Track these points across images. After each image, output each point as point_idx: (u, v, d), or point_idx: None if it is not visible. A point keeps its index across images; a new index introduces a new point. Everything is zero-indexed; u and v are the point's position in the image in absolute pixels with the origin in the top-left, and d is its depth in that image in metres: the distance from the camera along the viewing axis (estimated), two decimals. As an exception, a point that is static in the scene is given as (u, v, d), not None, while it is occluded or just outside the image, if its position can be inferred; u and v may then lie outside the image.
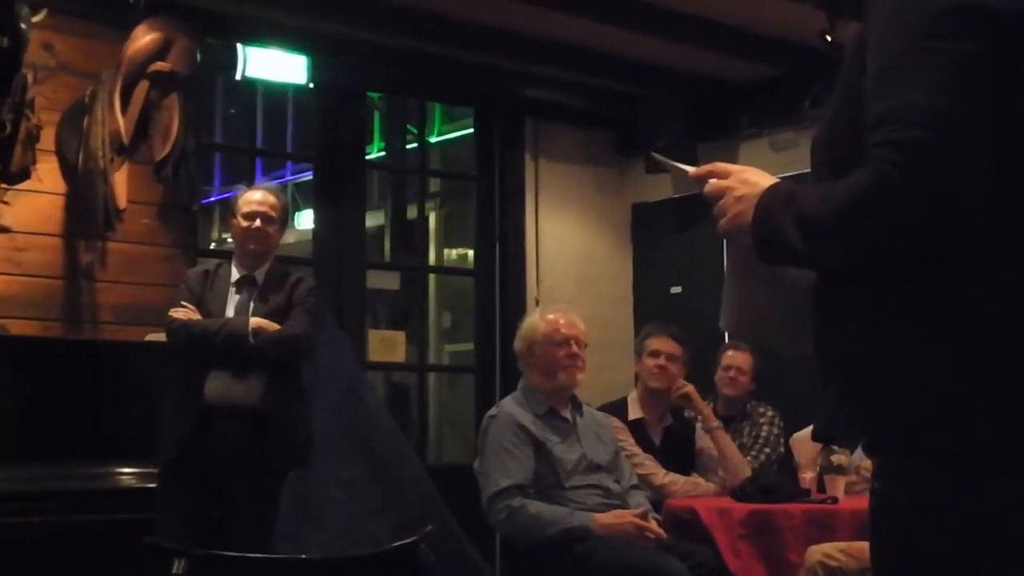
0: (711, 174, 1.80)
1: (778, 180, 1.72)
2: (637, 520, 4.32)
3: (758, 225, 1.67)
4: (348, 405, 5.16)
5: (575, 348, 4.63)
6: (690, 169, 1.87)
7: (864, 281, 1.60)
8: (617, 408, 5.19)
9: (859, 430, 1.68)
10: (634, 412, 5.18)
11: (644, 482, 4.80)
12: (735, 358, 5.65)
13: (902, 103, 1.50)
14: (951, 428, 1.51)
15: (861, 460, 4.70)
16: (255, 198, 4.60)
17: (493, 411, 4.62)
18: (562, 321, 4.69)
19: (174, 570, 1.76)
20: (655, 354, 5.19)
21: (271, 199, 4.62)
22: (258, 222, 4.55)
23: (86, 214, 5.10)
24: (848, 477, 4.68)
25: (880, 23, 1.58)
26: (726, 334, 6.46)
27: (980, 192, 1.48)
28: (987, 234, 1.52)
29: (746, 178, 1.75)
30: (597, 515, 4.33)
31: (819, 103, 6.29)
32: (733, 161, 7.03)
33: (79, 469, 4.41)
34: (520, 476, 4.35)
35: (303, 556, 2.39)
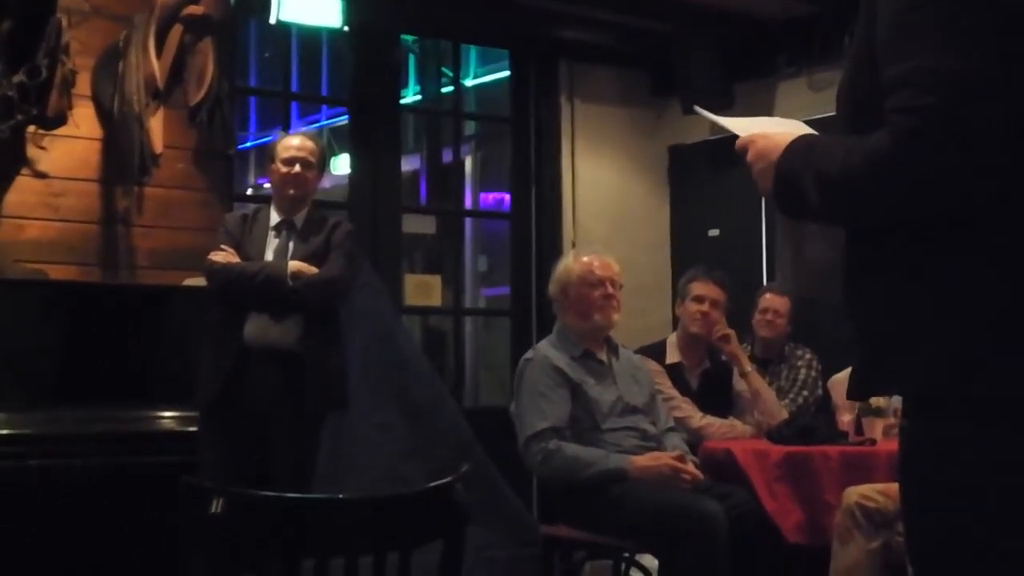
0: (753, 143, 1.79)
1: (799, 135, 1.72)
2: (674, 462, 4.32)
3: (779, 184, 1.70)
4: (384, 350, 5.18)
5: (610, 289, 4.62)
6: (736, 128, 1.86)
7: (891, 237, 1.61)
8: (655, 351, 5.18)
9: (891, 387, 1.75)
10: (672, 356, 5.17)
11: (681, 425, 4.80)
12: (772, 301, 5.62)
13: (913, 66, 1.50)
14: (981, 378, 1.53)
15: (899, 403, 4.67)
16: (294, 143, 4.61)
17: (529, 354, 4.63)
18: (596, 263, 4.68)
19: (212, 509, 1.77)
20: (699, 299, 5.16)
21: (310, 144, 4.63)
22: (297, 167, 4.56)
23: (122, 159, 5.11)
24: (886, 420, 4.66)
25: None
26: (764, 277, 6.44)
27: (996, 152, 1.48)
28: (1012, 188, 1.52)
29: (766, 135, 1.77)
30: (633, 457, 4.34)
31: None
32: (771, 101, 7.04)
33: (118, 412, 4.46)
34: (556, 418, 4.37)
35: (339, 495, 2.40)
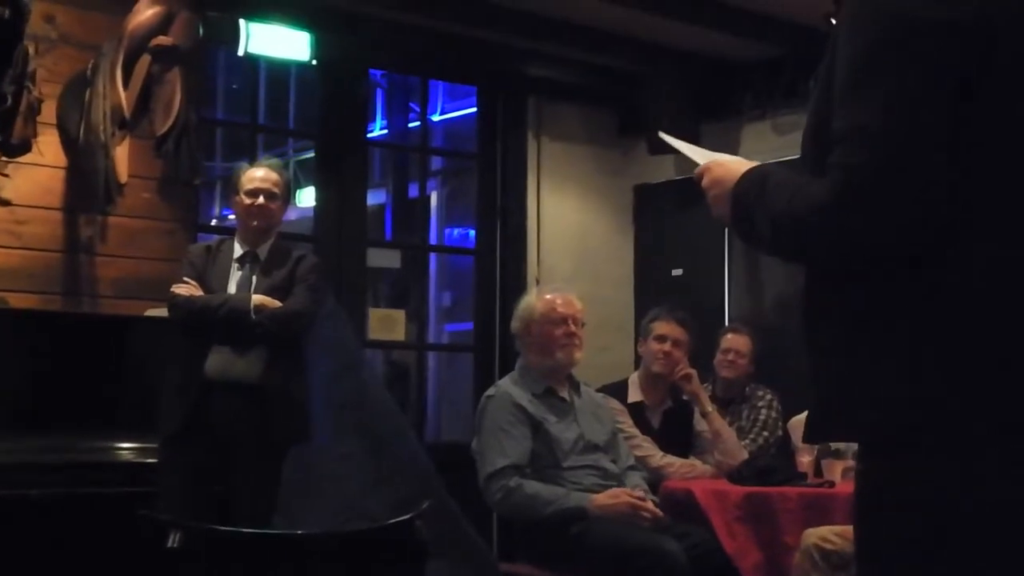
0: (708, 171, 1.83)
1: (755, 165, 1.75)
2: (633, 500, 4.32)
3: (735, 216, 1.74)
4: (347, 382, 5.16)
5: (572, 327, 4.63)
6: (698, 157, 1.89)
7: (844, 279, 1.64)
8: (617, 390, 5.19)
9: (845, 431, 1.79)
10: (634, 395, 5.18)
11: (641, 463, 4.81)
12: (734, 341, 5.65)
13: (857, 123, 1.53)
14: (932, 422, 1.55)
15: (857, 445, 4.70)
16: (258, 175, 4.59)
17: (491, 391, 4.63)
18: (559, 300, 4.69)
19: (169, 543, 1.76)
20: (661, 339, 5.18)
21: (274, 176, 4.62)
22: (261, 199, 4.54)
23: (87, 188, 5.09)
24: (845, 462, 4.68)
25: (847, 30, 1.60)
26: (726, 317, 6.48)
27: (927, 209, 1.52)
28: (960, 237, 1.55)
29: (722, 163, 1.80)
30: (593, 496, 4.34)
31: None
32: (736, 142, 7.10)
33: (79, 442, 4.42)
34: (517, 456, 4.36)
35: (299, 532, 2.39)
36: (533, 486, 4.33)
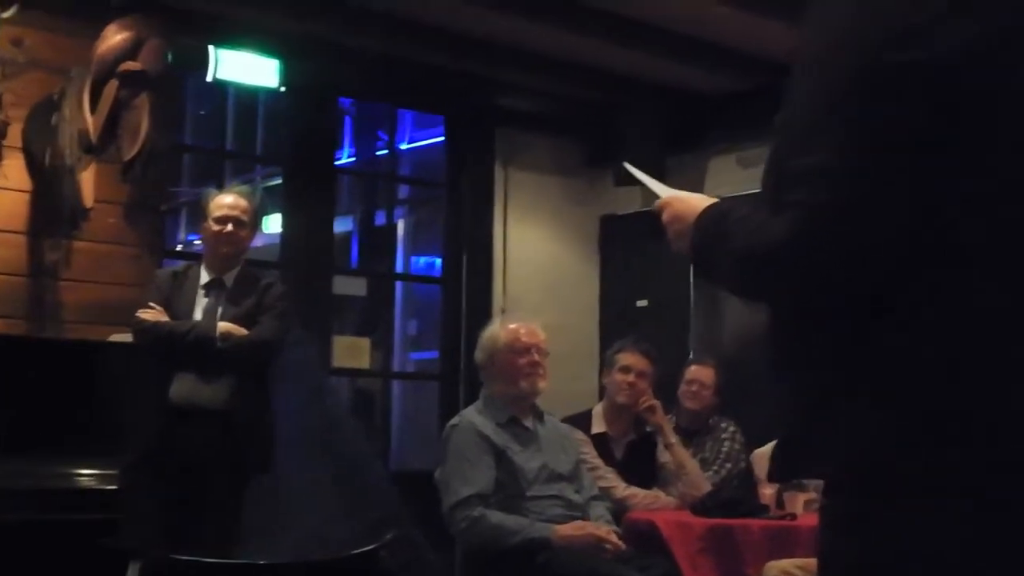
0: (668, 206, 1.83)
1: (715, 201, 1.76)
2: (597, 531, 4.33)
3: (695, 252, 1.74)
4: (312, 410, 5.15)
5: (536, 356, 4.65)
6: (660, 191, 1.90)
7: (809, 320, 1.63)
8: (581, 421, 5.19)
9: (810, 470, 1.76)
10: (598, 426, 5.19)
11: (605, 495, 4.81)
12: (698, 372, 5.67)
13: (815, 163, 1.52)
14: (898, 460, 1.56)
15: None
16: (227, 201, 4.58)
17: (455, 420, 4.63)
18: (523, 330, 4.70)
19: (129, 572, 1.75)
20: (625, 370, 5.19)
21: (243, 203, 4.61)
22: (230, 226, 4.54)
23: (52, 212, 5.07)
24: (807, 494, 4.70)
25: (805, 68, 1.59)
26: (691, 349, 6.50)
27: (885, 248, 1.52)
28: (927, 277, 1.54)
29: (682, 198, 1.81)
30: (557, 526, 4.34)
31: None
32: (702, 175, 7.13)
33: (42, 468, 4.37)
34: (481, 485, 4.36)
35: (262, 561, 2.38)
36: (497, 516, 4.32)
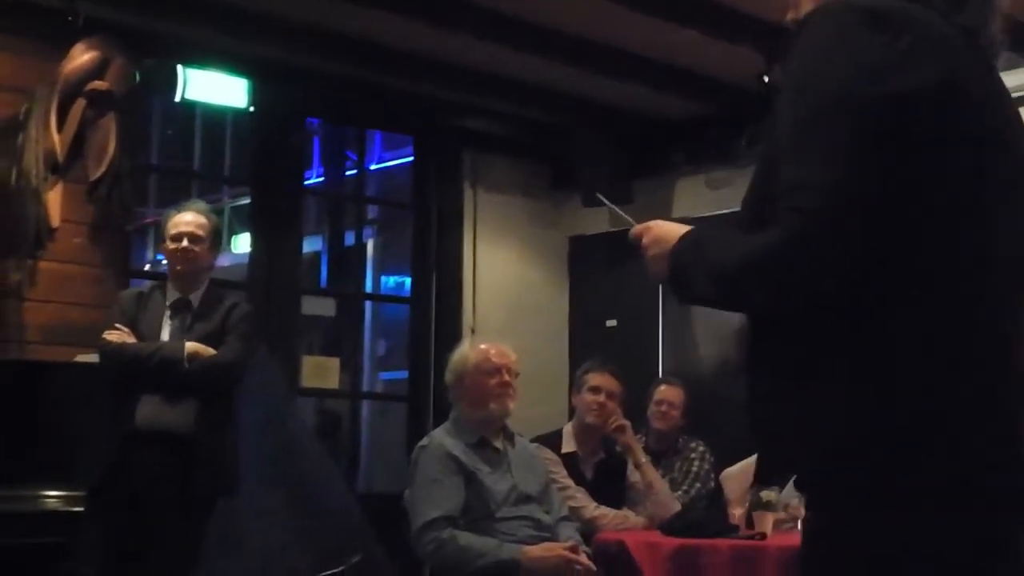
0: (648, 230, 1.90)
1: (689, 229, 1.83)
2: (567, 553, 4.31)
3: (673, 276, 1.81)
4: (274, 432, 5.12)
5: (506, 376, 4.64)
6: (632, 221, 1.96)
7: (790, 328, 1.71)
8: (551, 440, 5.19)
9: (789, 471, 1.78)
10: (568, 445, 5.18)
11: (574, 515, 4.80)
12: (667, 393, 5.68)
13: (806, 172, 1.63)
14: (866, 466, 1.62)
15: (790, 498, 4.74)
16: (184, 219, 4.57)
17: (424, 441, 4.61)
18: (493, 351, 4.69)
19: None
20: (595, 390, 5.20)
21: (200, 219, 4.59)
22: (185, 242, 4.52)
23: (17, 232, 5.03)
24: (776, 514, 4.70)
25: (791, 98, 1.70)
26: (660, 369, 6.51)
27: (871, 253, 1.62)
28: (896, 290, 1.64)
29: (660, 224, 1.89)
30: (526, 548, 4.32)
31: (754, 142, 6.37)
32: (669, 198, 7.17)
33: (4, 491, 4.33)
34: (449, 507, 4.34)
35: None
36: (466, 537, 4.30)
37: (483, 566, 4.26)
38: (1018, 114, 1.81)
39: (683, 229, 1.83)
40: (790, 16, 1.86)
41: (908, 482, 1.60)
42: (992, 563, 1.64)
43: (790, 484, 4.82)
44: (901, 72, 1.64)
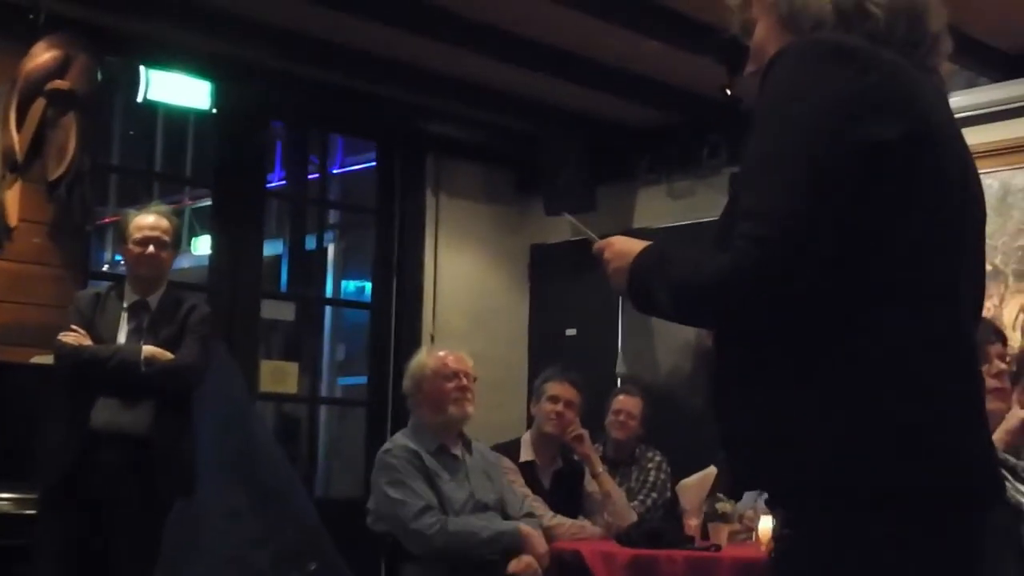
0: (610, 245, 1.93)
1: (647, 244, 1.87)
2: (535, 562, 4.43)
3: (632, 289, 1.85)
4: (234, 435, 5.10)
5: (464, 381, 4.66)
6: (595, 238, 1.99)
7: (762, 343, 1.73)
8: (509, 449, 5.19)
9: (762, 485, 1.83)
10: (526, 454, 5.19)
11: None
12: (625, 402, 5.69)
13: (762, 202, 1.67)
14: (840, 477, 1.64)
15: (745, 509, 4.76)
16: (148, 222, 4.52)
17: (387, 446, 4.62)
18: (451, 357, 4.72)
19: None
20: (554, 400, 5.21)
21: (164, 223, 4.55)
22: (151, 248, 4.48)
23: (-26, 231, 4.99)
24: (732, 525, 4.73)
25: (761, 127, 1.73)
26: (618, 379, 6.52)
27: (819, 281, 1.65)
28: (869, 305, 1.67)
29: (623, 238, 1.92)
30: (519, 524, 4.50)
31: (716, 153, 6.41)
32: (631, 206, 7.19)
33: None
34: (430, 498, 4.40)
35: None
36: (456, 521, 4.38)
37: (487, 539, 4.40)
38: (969, 151, 1.84)
39: (642, 244, 1.86)
40: (750, 69, 1.89)
41: (888, 489, 1.63)
42: (978, 567, 1.68)
43: (747, 495, 4.85)
44: (868, 108, 1.67)
